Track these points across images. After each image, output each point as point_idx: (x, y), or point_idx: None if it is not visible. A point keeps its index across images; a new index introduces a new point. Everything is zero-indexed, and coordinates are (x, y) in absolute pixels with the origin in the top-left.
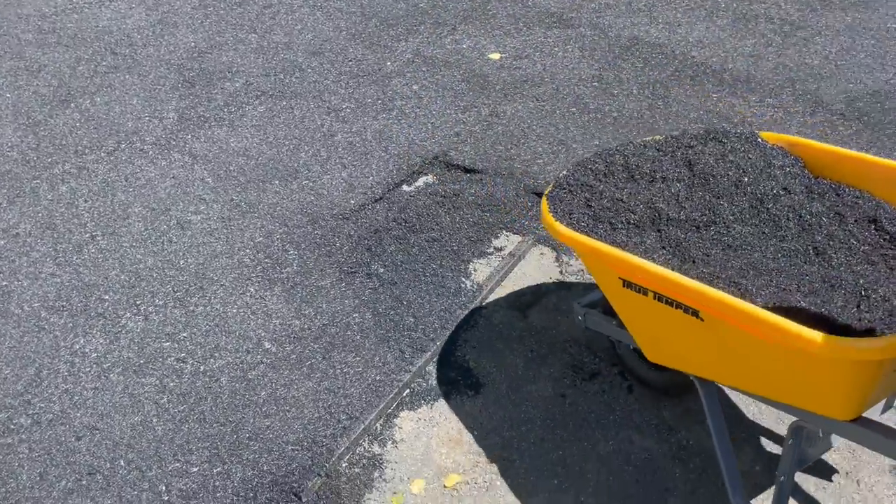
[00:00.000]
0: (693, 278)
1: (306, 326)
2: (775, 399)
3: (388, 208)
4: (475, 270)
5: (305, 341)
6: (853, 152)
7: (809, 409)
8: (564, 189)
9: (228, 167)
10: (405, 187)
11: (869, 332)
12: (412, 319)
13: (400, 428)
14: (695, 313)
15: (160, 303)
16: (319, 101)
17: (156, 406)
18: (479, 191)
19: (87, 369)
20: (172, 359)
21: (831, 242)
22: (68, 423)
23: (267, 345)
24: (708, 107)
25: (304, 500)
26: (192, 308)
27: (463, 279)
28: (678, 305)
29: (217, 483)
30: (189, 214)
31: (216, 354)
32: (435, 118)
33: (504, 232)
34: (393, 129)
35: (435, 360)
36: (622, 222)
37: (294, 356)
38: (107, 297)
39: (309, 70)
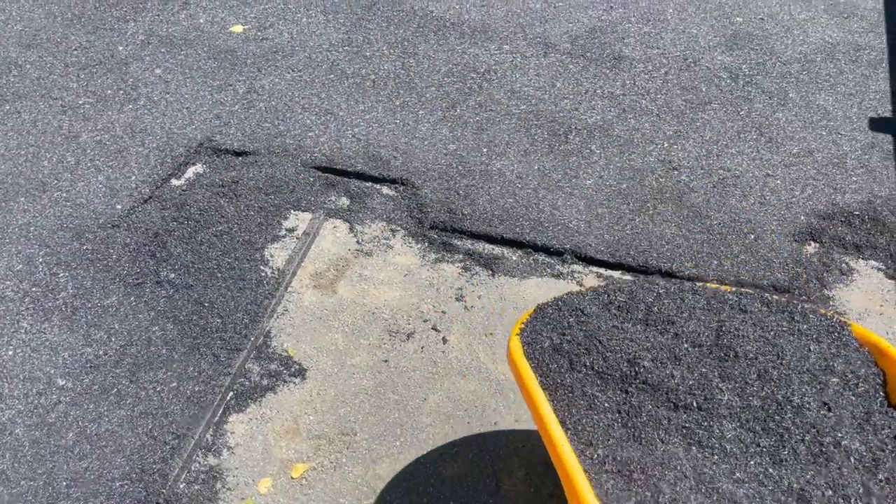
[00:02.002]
0: (615, 458)
1: (101, 352)
2: None
3: (162, 208)
4: (272, 256)
5: (105, 368)
6: None
7: None
8: (557, 307)
9: None
10: (174, 181)
11: None
12: (219, 320)
13: (232, 433)
14: None
15: None
16: (49, 99)
17: None
18: (258, 173)
19: None
20: None
21: (830, 493)
22: None
23: (61, 381)
24: (455, 60)
25: None
26: None
27: (262, 267)
28: None
29: None
30: None
31: (1, 406)
32: (189, 102)
33: (292, 212)
34: (145, 121)
35: (252, 356)
36: (583, 365)
37: (96, 387)
38: None
39: (28, 66)
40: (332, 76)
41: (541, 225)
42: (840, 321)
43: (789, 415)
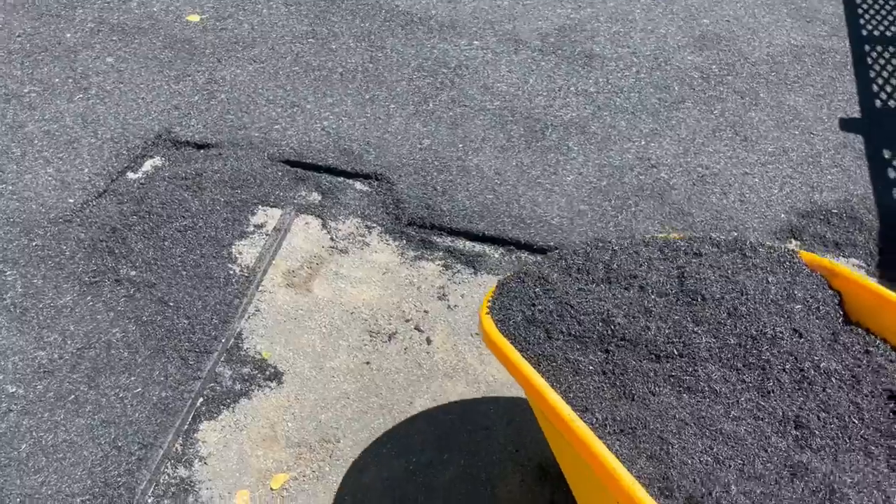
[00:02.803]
0: (615, 418)
1: (56, 356)
2: None
3: (119, 202)
4: (241, 253)
5: (60, 373)
6: None
7: None
8: (519, 279)
9: None
10: (131, 174)
11: None
12: (185, 321)
13: (204, 442)
14: None
15: None
16: None
17: None
18: (222, 167)
19: None
20: None
21: (823, 414)
22: None
23: (10, 388)
24: (424, 55)
25: None
26: None
27: (230, 265)
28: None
29: None
30: None
31: None
32: (144, 93)
33: (260, 207)
34: (97, 111)
35: (223, 359)
36: (560, 332)
37: (51, 394)
38: None
39: None
40: (297, 68)
41: (522, 222)
42: (788, 250)
43: (766, 347)
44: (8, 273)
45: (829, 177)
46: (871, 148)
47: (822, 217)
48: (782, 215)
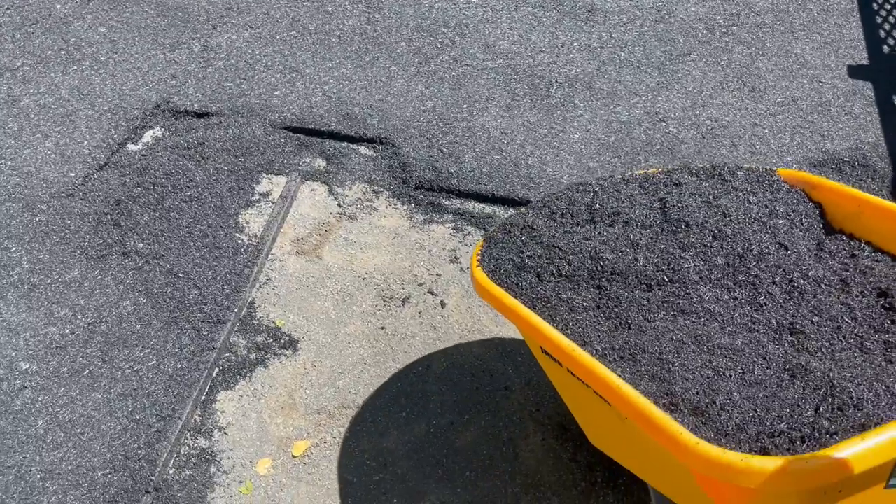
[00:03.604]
0: (614, 348)
1: (68, 331)
2: None
3: (121, 174)
4: (248, 222)
5: (74, 348)
6: (886, 202)
7: None
8: (505, 230)
9: None
10: (132, 146)
11: (822, 444)
12: (196, 292)
13: (223, 412)
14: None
15: None
16: None
17: None
18: (224, 135)
19: None
20: None
21: (817, 318)
22: None
23: (24, 365)
24: (423, 14)
25: None
26: None
27: (238, 234)
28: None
29: None
30: None
31: None
32: (140, 62)
33: (265, 175)
34: (93, 82)
35: (237, 329)
36: (551, 274)
37: (65, 369)
38: None
39: None
40: (293, 32)
41: (532, 181)
42: (766, 169)
43: (754, 263)
44: (13, 249)
45: (839, 125)
46: (880, 95)
47: (834, 166)
48: (794, 166)
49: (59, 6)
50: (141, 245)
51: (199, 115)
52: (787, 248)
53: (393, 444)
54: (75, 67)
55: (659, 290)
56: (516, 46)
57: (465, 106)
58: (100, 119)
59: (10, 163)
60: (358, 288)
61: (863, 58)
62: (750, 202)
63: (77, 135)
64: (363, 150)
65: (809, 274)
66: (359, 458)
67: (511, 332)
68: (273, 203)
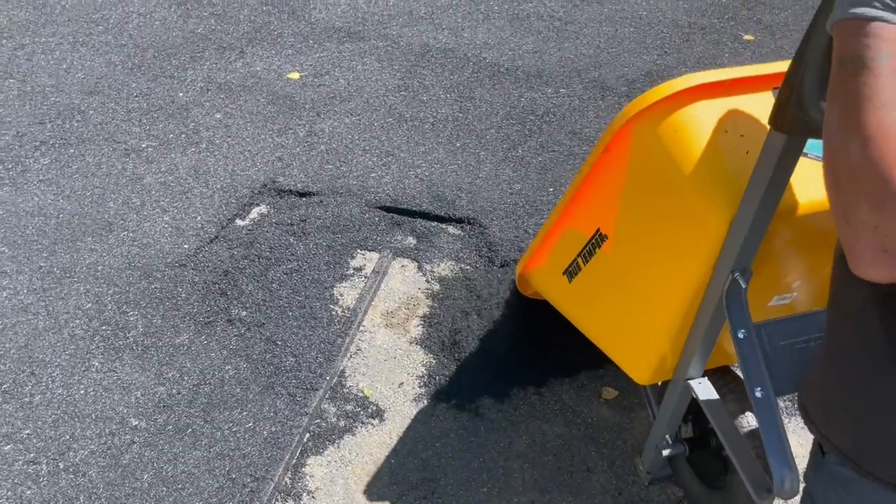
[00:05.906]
0: None
1: (174, 391)
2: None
3: (230, 247)
4: (342, 295)
5: (179, 407)
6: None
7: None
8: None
9: (24, 231)
10: (240, 221)
11: None
12: (292, 359)
13: (311, 476)
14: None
15: None
16: (113, 143)
17: None
18: (324, 213)
19: None
20: (21, 462)
21: None
22: None
23: (134, 421)
24: (512, 103)
25: None
26: (26, 399)
27: (332, 306)
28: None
29: None
30: None
31: (74, 446)
32: (250, 145)
33: (359, 251)
34: (208, 163)
35: (328, 396)
36: None
37: (170, 427)
38: None
39: (90, 111)
40: (390, 119)
41: None
42: None
43: None
44: (130, 314)
45: None
46: None
47: None
48: None
49: (181, 94)
50: (244, 313)
51: (302, 195)
52: None
53: None
54: (193, 149)
55: None
56: (602, 134)
57: (550, 189)
58: (213, 196)
59: (131, 234)
60: None
61: None
62: None
63: (192, 210)
64: (451, 229)
65: None
66: None
67: (594, 412)
68: (366, 277)
